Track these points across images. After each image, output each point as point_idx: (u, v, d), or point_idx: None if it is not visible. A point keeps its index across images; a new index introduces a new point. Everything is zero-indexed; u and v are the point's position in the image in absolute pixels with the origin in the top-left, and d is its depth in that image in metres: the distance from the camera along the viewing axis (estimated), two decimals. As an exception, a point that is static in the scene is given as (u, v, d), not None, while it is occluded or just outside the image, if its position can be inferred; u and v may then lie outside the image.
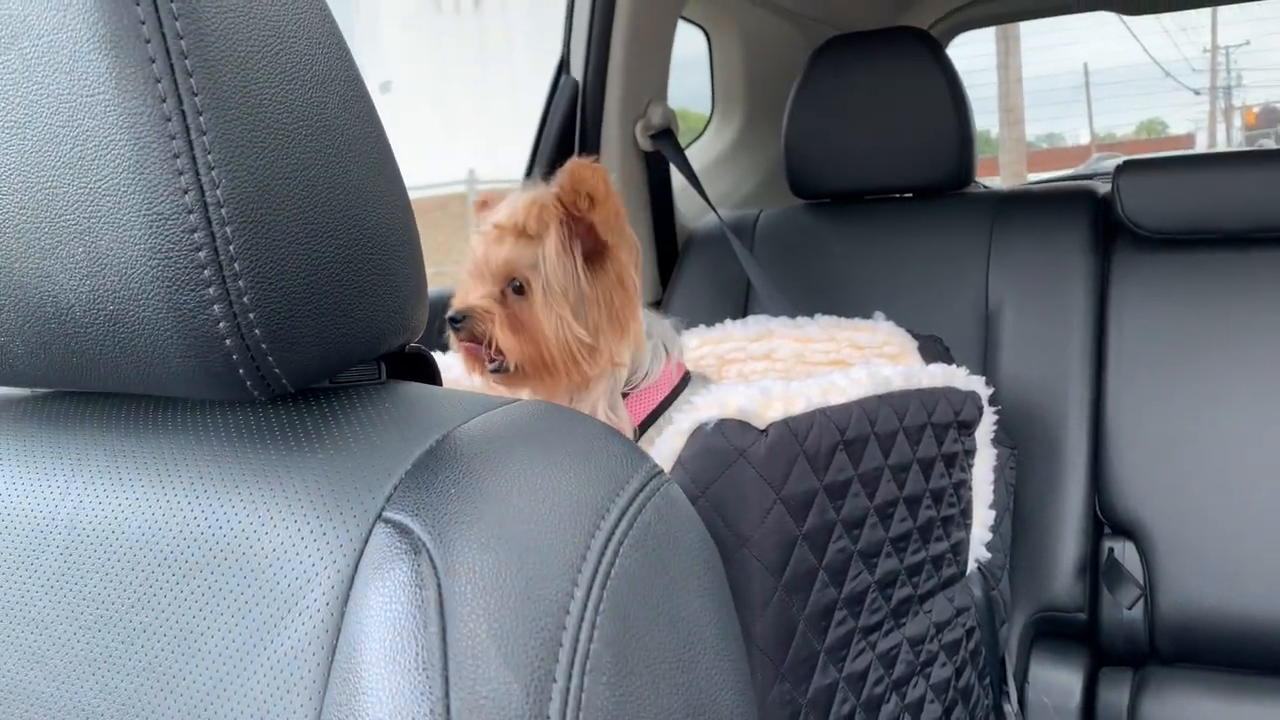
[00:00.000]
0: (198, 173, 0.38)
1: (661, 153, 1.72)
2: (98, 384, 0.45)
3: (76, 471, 0.46)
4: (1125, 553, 1.38)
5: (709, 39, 2.05)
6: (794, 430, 0.83)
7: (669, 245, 1.80)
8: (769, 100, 2.00)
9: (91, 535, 0.44)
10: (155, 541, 0.43)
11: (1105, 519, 1.41)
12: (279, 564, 0.40)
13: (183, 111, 0.38)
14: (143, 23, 0.38)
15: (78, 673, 0.43)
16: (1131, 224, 1.46)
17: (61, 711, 0.43)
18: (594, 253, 0.94)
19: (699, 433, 0.79)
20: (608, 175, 0.92)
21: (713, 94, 2.11)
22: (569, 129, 1.66)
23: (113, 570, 0.43)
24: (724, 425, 0.80)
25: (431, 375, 0.56)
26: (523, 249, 0.95)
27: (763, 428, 0.81)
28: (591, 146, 1.65)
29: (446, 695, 0.36)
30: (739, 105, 2.09)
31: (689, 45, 1.98)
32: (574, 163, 0.93)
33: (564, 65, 1.67)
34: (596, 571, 0.40)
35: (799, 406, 0.84)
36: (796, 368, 1.28)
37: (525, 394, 1.01)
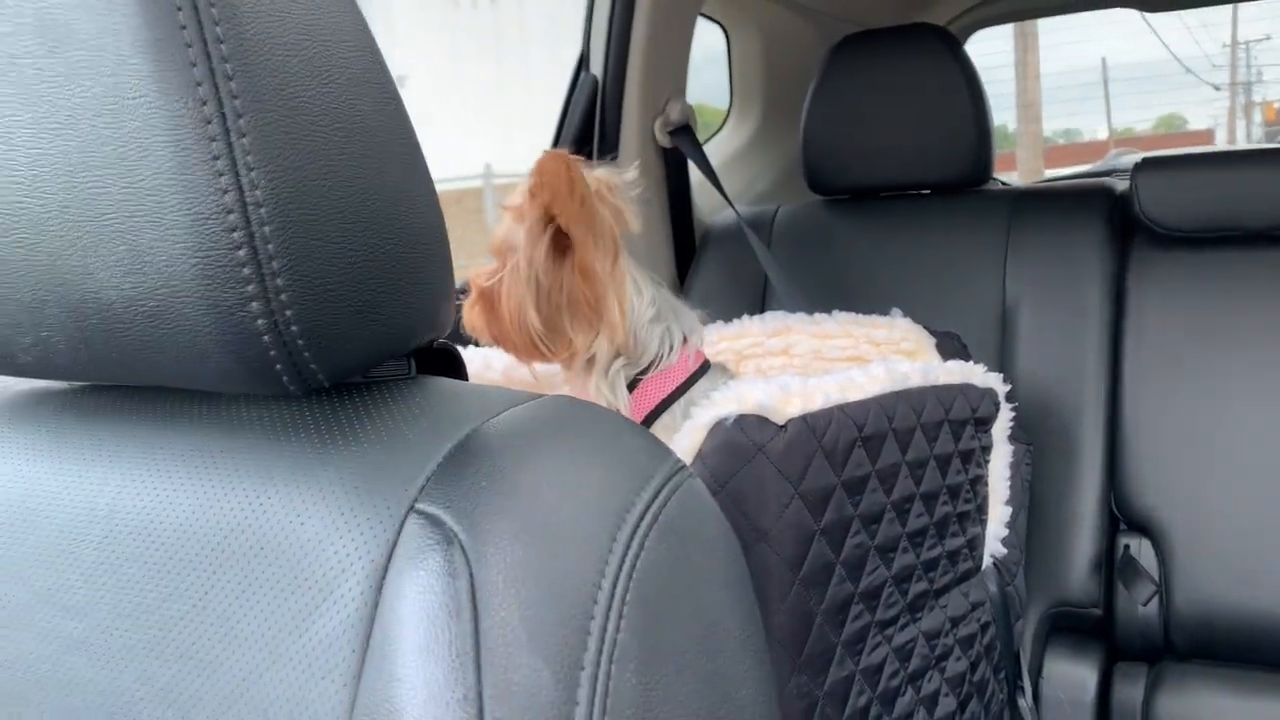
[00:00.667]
0: (237, 173, 0.39)
1: (680, 149, 1.73)
2: (136, 378, 0.47)
3: (114, 463, 0.47)
4: (1141, 549, 1.38)
5: (727, 36, 2.06)
6: (812, 426, 0.83)
7: (686, 241, 1.81)
8: (787, 97, 2.00)
9: (129, 526, 0.45)
10: (192, 532, 0.44)
11: (1121, 515, 1.41)
12: (314, 554, 0.42)
13: (223, 114, 0.39)
14: (184, 28, 0.39)
15: (117, 660, 0.44)
16: (1149, 221, 1.46)
17: (101, 697, 0.44)
18: (561, 242, 0.96)
19: (718, 428, 0.80)
20: (574, 167, 0.93)
21: (731, 90, 2.12)
22: (588, 125, 1.67)
23: (151, 560, 0.44)
24: (743, 420, 0.80)
25: (459, 370, 0.57)
26: (513, 230, 0.97)
27: (781, 423, 0.82)
28: (610, 142, 1.66)
29: (479, 682, 0.37)
30: (757, 101, 2.10)
31: (706, 40, 1.98)
32: (543, 154, 0.94)
33: (583, 61, 1.68)
34: (623, 563, 0.41)
35: (817, 403, 0.85)
36: (814, 364, 1.29)
37: (566, 388, 1.03)
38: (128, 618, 0.44)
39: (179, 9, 0.39)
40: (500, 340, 1.02)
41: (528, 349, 1.00)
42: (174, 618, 0.43)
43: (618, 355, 1.01)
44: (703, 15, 1.84)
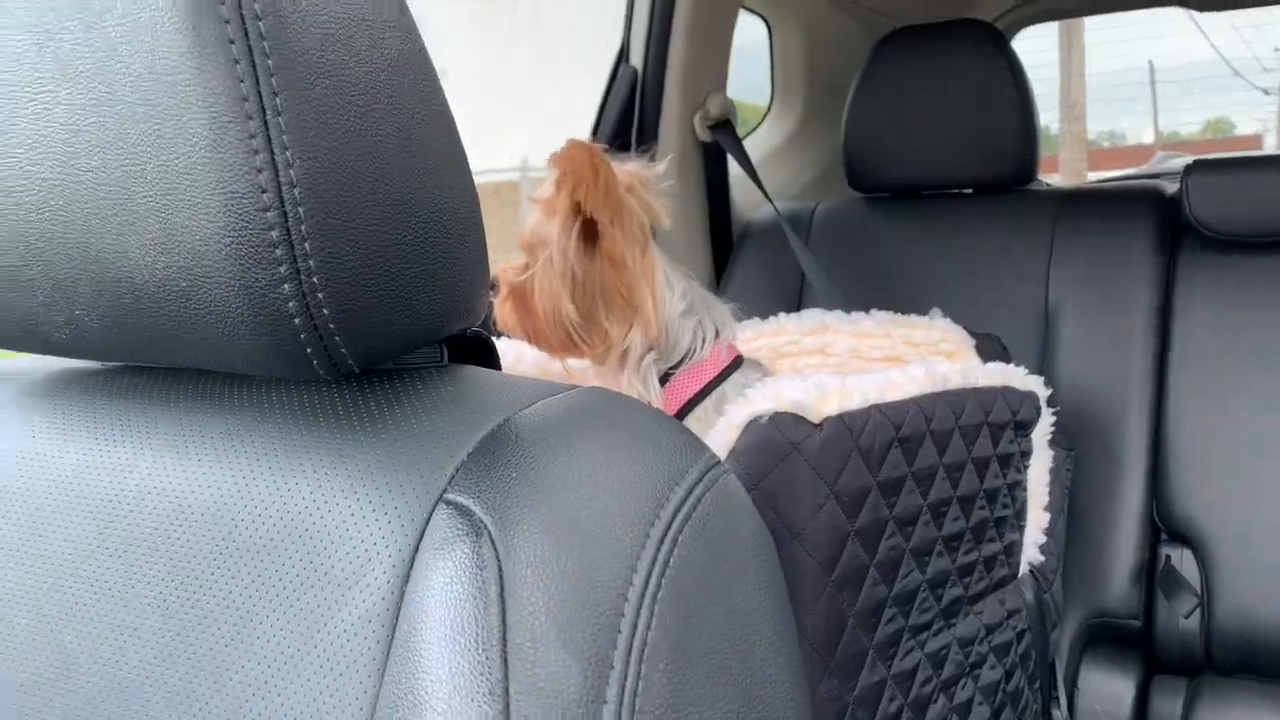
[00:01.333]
0: (272, 153, 0.38)
1: (719, 143, 1.71)
2: (168, 359, 0.46)
3: (144, 445, 0.47)
4: (1182, 560, 1.35)
5: (770, 29, 2.04)
6: (849, 425, 0.82)
7: (724, 236, 1.79)
8: (829, 92, 1.98)
9: (158, 508, 0.45)
10: (220, 516, 0.43)
11: (1163, 525, 1.39)
12: (340, 542, 0.41)
13: (259, 92, 0.38)
14: (222, 3, 0.38)
15: (144, 641, 0.44)
16: (1200, 225, 1.43)
17: (127, 679, 0.44)
18: (591, 232, 0.95)
19: (753, 425, 0.79)
20: (597, 153, 0.92)
21: (772, 85, 2.10)
22: (627, 117, 1.66)
23: (178, 543, 0.44)
24: (779, 419, 0.79)
25: (492, 360, 0.56)
26: (542, 223, 0.97)
27: (818, 422, 0.80)
28: (649, 135, 1.65)
29: (505, 676, 0.36)
30: (798, 97, 2.08)
31: (741, 36, 1.97)
32: (567, 142, 0.93)
33: (624, 54, 1.67)
34: (655, 559, 0.40)
35: (855, 402, 0.84)
36: (851, 363, 1.27)
37: (597, 383, 1.03)
38: (156, 599, 0.44)
39: None
40: (534, 336, 1.01)
41: (563, 344, 0.99)
42: (200, 601, 0.43)
43: (650, 349, 1.00)
44: (745, 8, 1.82)
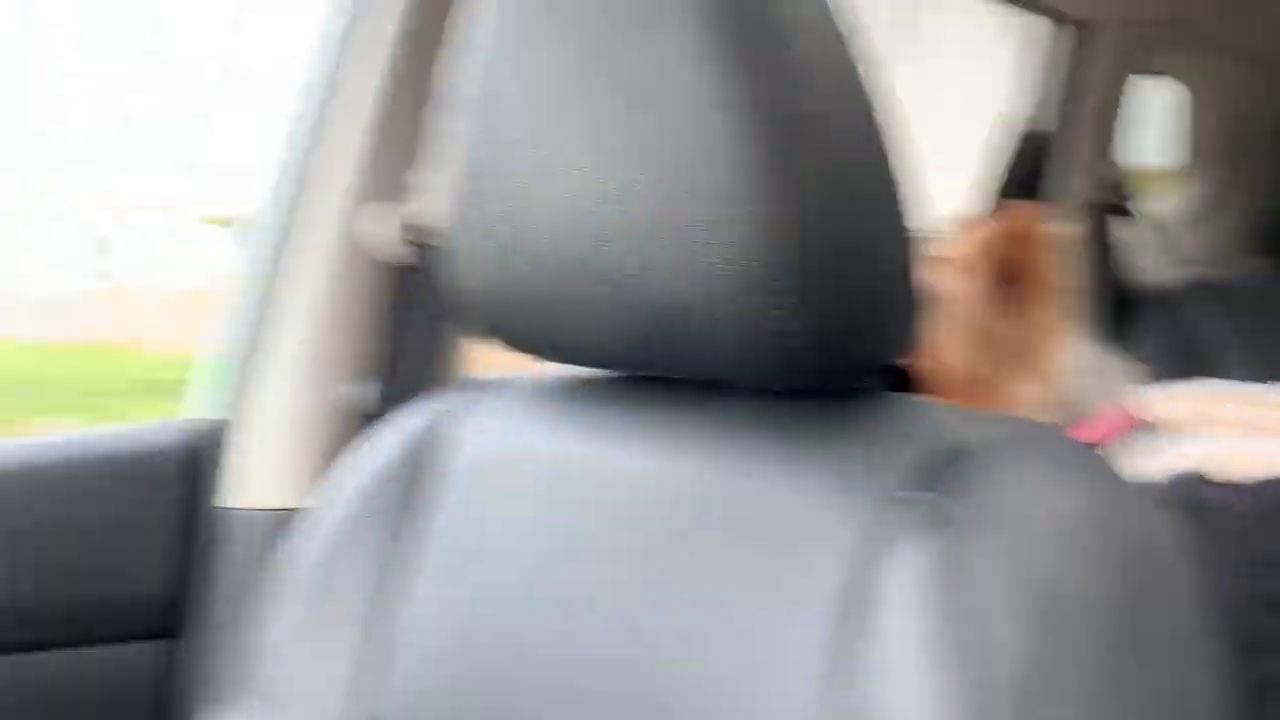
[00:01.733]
0: (778, 208, 0.48)
1: (1113, 207, 1.69)
2: (673, 370, 0.56)
3: (643, 441, 0.58)
4: None
5: (1187, 93, 1.97)
6: (1258, 490, 0.81)
7: (1115, 302, 1.76)
8: (1245, 156, 1.88)
9: (660, 493, 0.55)
10: (709, 504, 0.53)
11: None
12: (806, 530, 0.49)
13: (779, 166, 0.48)
14: (757, 93, 0.49)
15: (647, 600, 0.54)
16: None
17: (633, 631, 0.54)
18: (1014, 293, 0.99)
19: (1160, 482, 0.80)
20: (1041, 221, 0.97)
21: (1187, 149, 2.02)
22: (1018, 179, 1.68)
23: (676, 523, 0.54)
24: (1185, 476, 0.80)
25: (912, 389, 0.64)
26: (948, 279, 1.02)
27: (1224, 483, 0.80)
28: (1044, 197, 1.66)
29: (958, 639, 0.43)
30: (1213, 160, 1.99)
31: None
32: (1012, 208, 0.98)
33: (1017, 117, 1.70)
34: (1090, 569, 0.45)
35: (1263, 468, 0.83)
36: (1252, 434, 1.21)
37: None
38: (658, 568, 0.54)
39: (756, 77, 0.49)
40: (934, 388, 1.07)
41: (958, 394, 1.04)
42: (692, 569, 0.52)
43: (1043, 404, 1.03)
44: (1157, 73, 1.79)
